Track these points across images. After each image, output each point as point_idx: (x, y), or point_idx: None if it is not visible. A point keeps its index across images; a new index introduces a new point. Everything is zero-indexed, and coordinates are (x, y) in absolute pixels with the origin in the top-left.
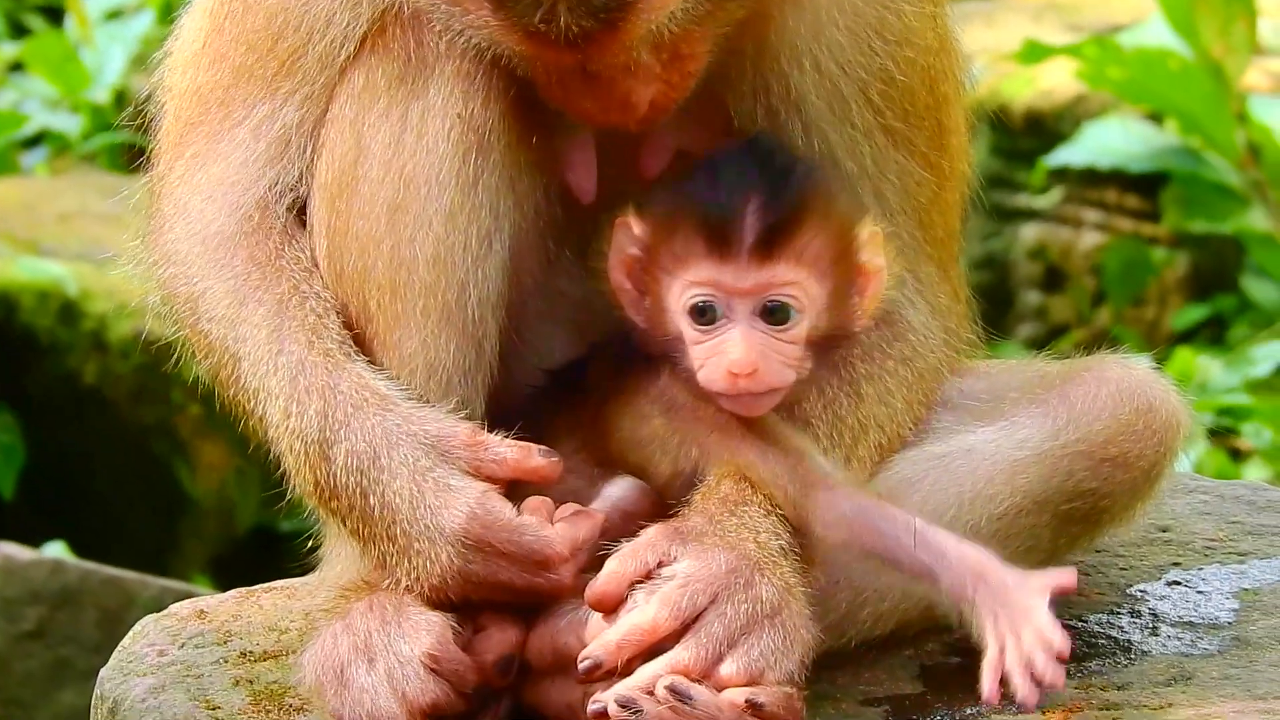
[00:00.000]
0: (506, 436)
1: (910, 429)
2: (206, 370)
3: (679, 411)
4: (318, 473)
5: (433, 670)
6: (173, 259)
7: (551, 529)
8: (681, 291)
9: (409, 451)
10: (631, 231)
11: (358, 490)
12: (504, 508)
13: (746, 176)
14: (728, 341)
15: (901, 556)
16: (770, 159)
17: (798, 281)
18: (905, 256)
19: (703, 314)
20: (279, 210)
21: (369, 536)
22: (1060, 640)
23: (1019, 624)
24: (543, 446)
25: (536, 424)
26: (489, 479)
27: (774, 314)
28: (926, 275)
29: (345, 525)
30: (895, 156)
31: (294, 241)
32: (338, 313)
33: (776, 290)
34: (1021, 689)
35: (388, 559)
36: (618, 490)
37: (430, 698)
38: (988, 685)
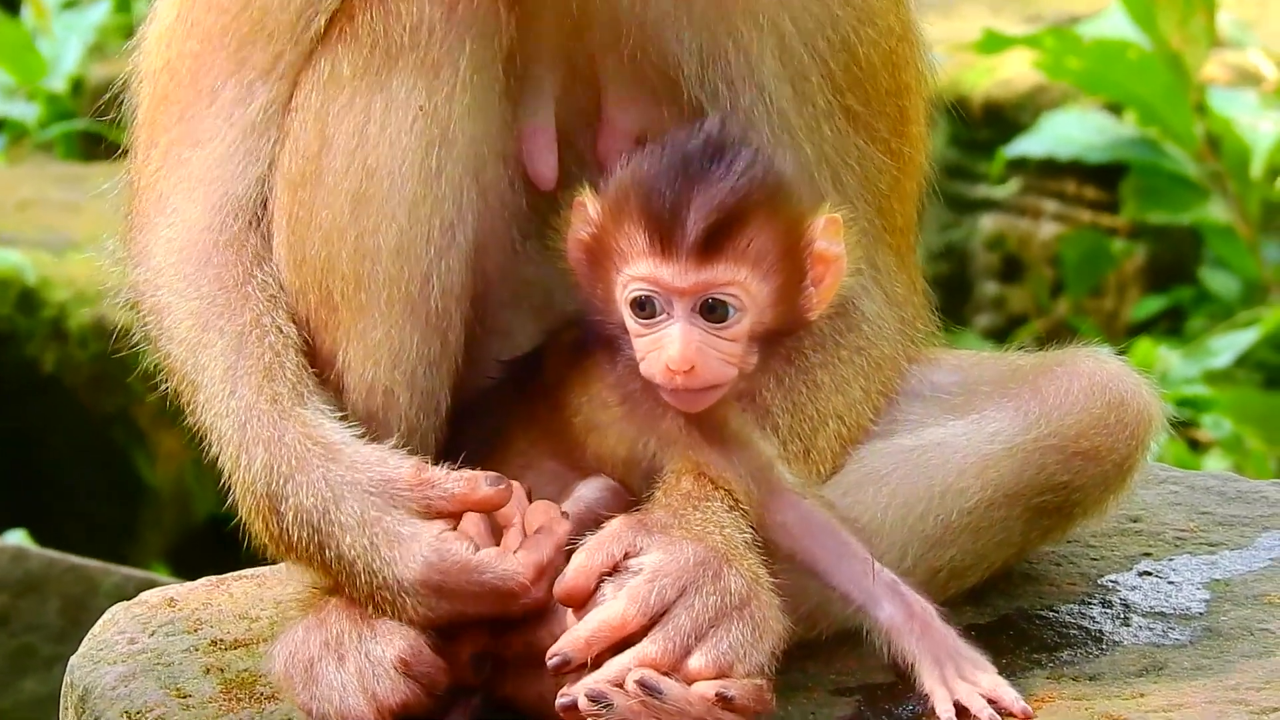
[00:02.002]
0: (454, 467)
1: (870, 420)
2: (170, 390)
3: (638, 401)
4: (270, 526)
5: (404, 673)
6: (146, 261)
7: (512, 559)
8: (624, 284)
9: (356, 504)
10: (587, 212)
11: (313, 543)
12: (458, 548)
13: (691, 171)
14: (666, 338)
15: (846, 583)
16: (718, 150)
17: (738, 281)
18: (863, 244)
19: (643, 308)
20: (256, 210)
21: (334, 583)
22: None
23: (969, 673)
24: (491, 474)
25: (494, 418)
26: (440, 516)
27: (714, 311)
28: (884, 264)
29: (309, 570)
30: (856, 141)
31: (263, 264)
32: (297, 350)
33: (716, 290)
34: (986, 710)
35: (357, 602)
36: (590, 491)
37: (400, 698)
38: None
